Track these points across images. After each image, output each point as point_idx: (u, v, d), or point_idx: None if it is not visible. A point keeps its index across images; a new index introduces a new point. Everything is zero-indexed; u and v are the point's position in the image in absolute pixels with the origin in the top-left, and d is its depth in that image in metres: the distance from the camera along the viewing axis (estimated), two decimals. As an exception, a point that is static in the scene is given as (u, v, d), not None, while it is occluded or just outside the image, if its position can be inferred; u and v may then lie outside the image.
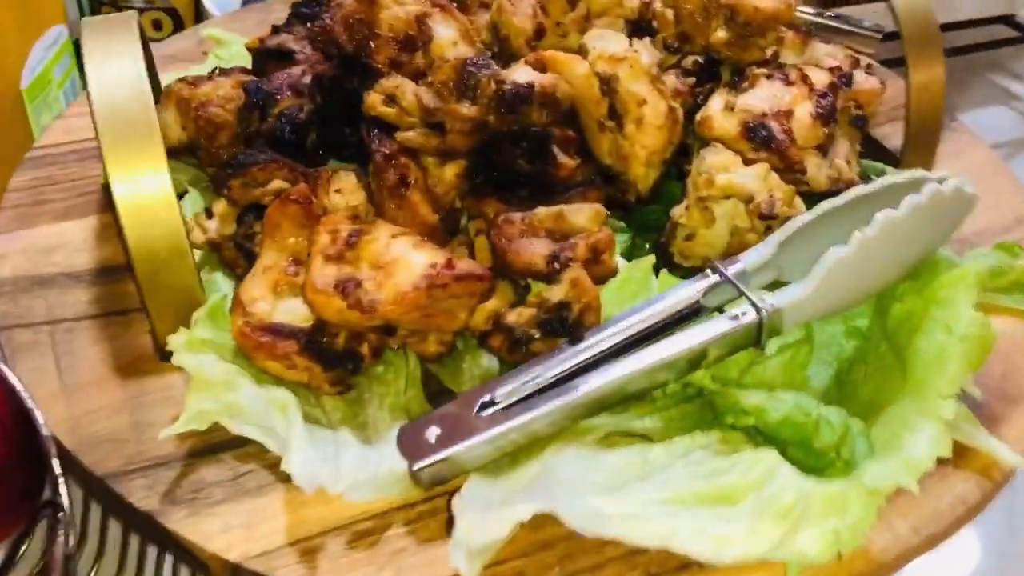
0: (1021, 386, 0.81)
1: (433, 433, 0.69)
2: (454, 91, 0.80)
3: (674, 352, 0.70)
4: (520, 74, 0.82)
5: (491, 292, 0.78)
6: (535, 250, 0.79)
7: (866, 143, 0.99)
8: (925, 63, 0.97)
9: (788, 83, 0.89)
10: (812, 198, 0.85)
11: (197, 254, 0.88)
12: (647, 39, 0.93)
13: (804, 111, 0.88)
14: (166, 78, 1.04)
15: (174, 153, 0.97)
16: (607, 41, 0.88)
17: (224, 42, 1.23)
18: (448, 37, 0.88)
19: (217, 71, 1.01)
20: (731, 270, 0.74)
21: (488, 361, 0.80)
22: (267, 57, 1.00)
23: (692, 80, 0.92)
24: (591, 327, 0.74)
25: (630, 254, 0.90)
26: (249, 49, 1.02)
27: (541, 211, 0.81)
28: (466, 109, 0.78)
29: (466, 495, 0.68)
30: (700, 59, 0.94)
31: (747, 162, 0.87)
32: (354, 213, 0.81)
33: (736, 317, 0.71)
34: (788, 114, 0.87)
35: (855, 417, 0.74)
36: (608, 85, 0.87)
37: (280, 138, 0.86)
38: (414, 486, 0.69)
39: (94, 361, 0.81)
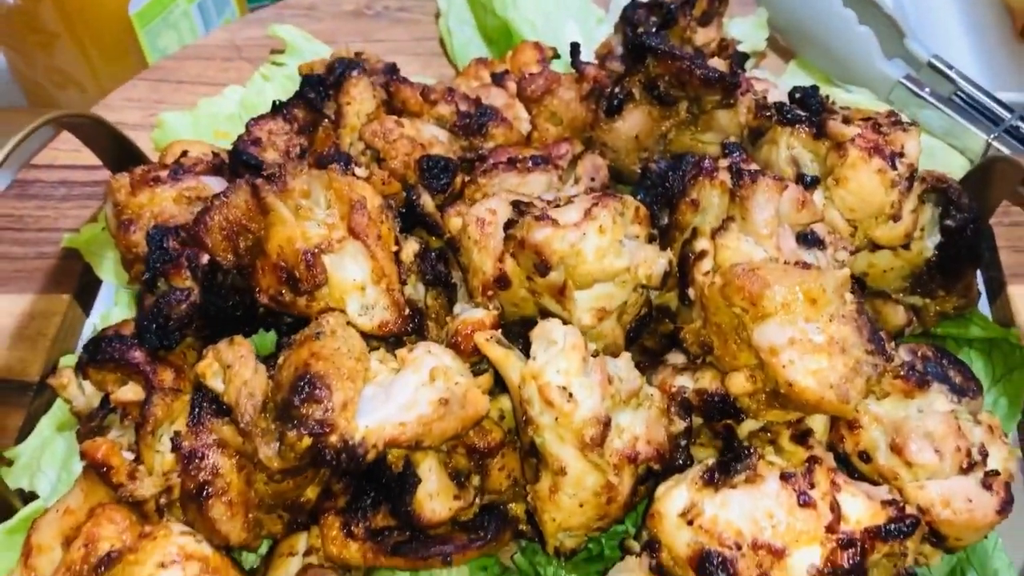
0: None
1: None
2: (280, 414, 0.59)
3: None
4: (372, 413, 0.58)
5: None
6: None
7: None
8: None
9: (804, 502, 0.58)
10: None
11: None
12: (625, 357, 0.63)
13: (804, 558, 0.57)
14: (191, 92, 0.91)
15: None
16: (551, 356, 0.60)
17: (293, 48, 1.03)
18: (352, 281, 0.64)
19: (181, 158, 0.84)
20: None
21: None
22: (239, 163, 0.81)
23: (682, 427, 0.62)
24: None
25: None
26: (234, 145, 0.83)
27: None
28: (268, 458, 0.58)
29: None
30: (719, 392, 0.63)
31: (689, 595, 0.59)
32: (167, 483, 0.66)
33: None
34: (778, 554, 0.57)
35: None
36: (530, 427, 0.61)
37: (145, 337, 0.70)
38: None
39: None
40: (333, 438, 0.57)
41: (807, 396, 0.57)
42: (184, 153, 0.85)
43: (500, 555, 0.69)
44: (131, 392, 0.71)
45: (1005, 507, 0.61)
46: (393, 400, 0.60)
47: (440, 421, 0.60)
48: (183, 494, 0.64)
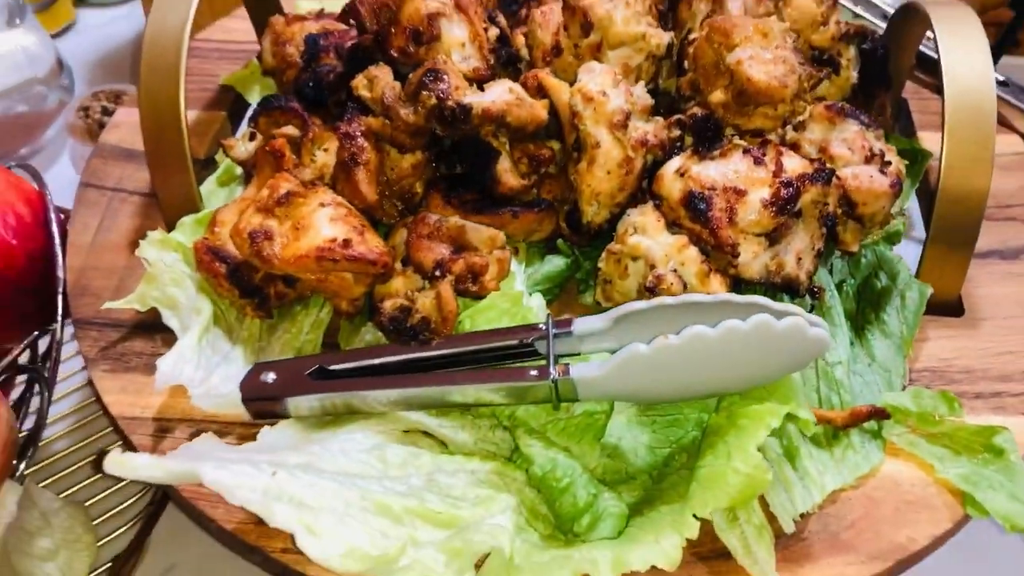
0: (859, 540, 0.78)
1: (270, 377, 0.84)
2: (411, 97, 0.89)
3: (463, 388, 0.78)
4: (476, 95, 0.89)
5: (389, 275, 0.89)
6: (430, 253, 0.88)
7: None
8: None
9: (758, 162, 0.87)
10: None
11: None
12: (640, 84, 0.94)
13: (757, 195, 0.86)
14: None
15: (269, 74, 1.16)
16: (593, 76, 0.91)
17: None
18: (456, 39, 0.95)
19: (322, 10, 1.17)
20: (557, 330, 0.79)
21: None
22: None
23: (676, 134, 0.92)
24: (434, 338, 0.83)
25: (559, 281, 0.96)
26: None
27: (452, 220, 0.89)
28: (405, 113, 0.88)
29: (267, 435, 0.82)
30: (703, 113, 0.93)
31: (682, 230, 0.88)
32: (320, 174, 0.95)
33: (535, 374, 0.77)
34: (740, 193, 0.86)
35: (637, 502, 0.78)
36: (575, 119, 0.90)
37: (303, 91, 1.00)
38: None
39: (125, 230, 1.04)
40: (450, 102, 0.87)
41: (759, 85, 0.87)
42: (322, 10, 1.18)
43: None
44: (291, 129, 1.01)
45: (895, 185, 0.90)
46: (486, 96, 0.90)
47: (517, 108, 0.89)
48: (336, 166, 0.93)
